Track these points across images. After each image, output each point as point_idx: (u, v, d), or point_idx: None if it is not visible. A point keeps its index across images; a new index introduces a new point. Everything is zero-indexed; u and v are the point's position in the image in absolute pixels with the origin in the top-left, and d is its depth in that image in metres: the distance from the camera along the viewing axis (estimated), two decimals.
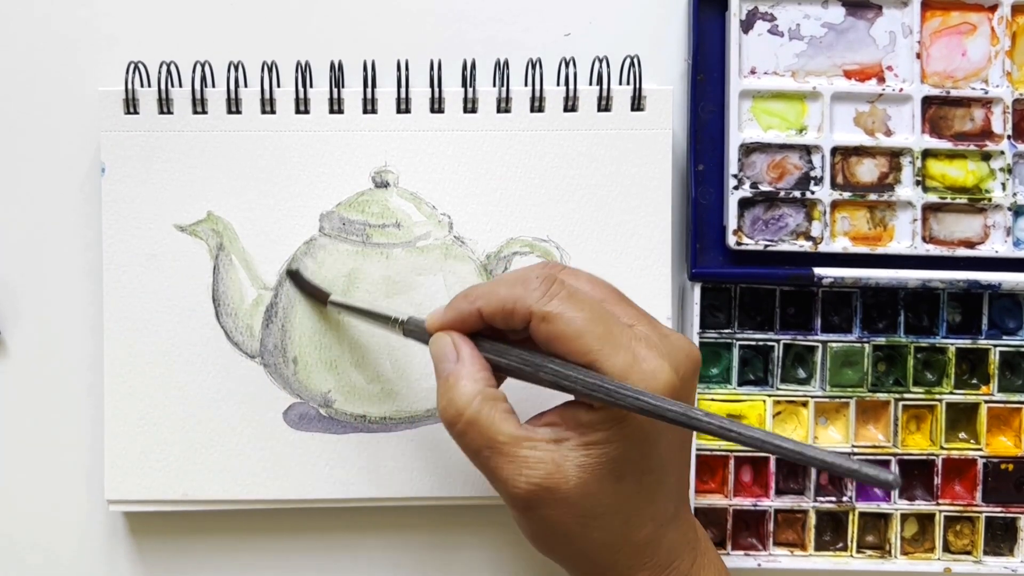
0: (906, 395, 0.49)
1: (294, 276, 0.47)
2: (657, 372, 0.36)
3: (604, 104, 0.48)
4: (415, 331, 0.41)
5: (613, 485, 0.37)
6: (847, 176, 0.49)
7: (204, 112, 0.48)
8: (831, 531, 0.50)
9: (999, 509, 0.49)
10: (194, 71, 0.48)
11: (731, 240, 0.48)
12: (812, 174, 0.49)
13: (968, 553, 0.50)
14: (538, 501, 0.37)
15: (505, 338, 0.40)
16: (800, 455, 0.33)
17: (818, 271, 0.48)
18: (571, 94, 0.48)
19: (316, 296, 0.47)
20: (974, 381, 0.50)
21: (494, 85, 0.48)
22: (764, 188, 0.48)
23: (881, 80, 0.49)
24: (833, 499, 0.49)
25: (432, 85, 0.48)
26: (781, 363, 0.49)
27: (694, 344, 0.39)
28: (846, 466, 0.32)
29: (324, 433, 0.48)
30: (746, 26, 0.49)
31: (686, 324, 0.49)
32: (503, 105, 0.48)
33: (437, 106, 0.48)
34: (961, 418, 0.50)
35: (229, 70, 0.48)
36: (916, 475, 0.50)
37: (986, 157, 0.49)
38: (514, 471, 0.37)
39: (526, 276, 0.38)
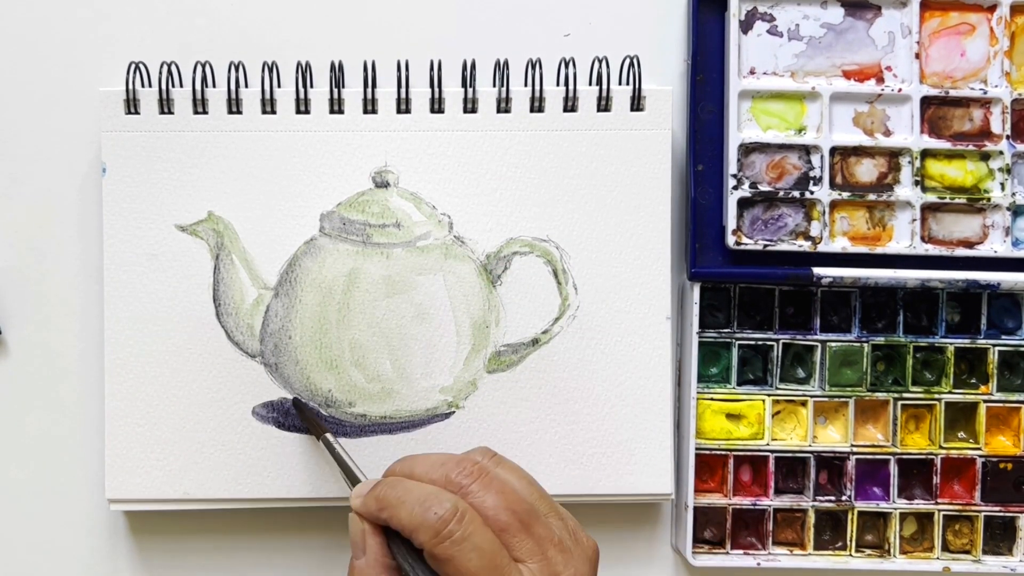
0: (905, 395, 0.49)
1: (296, 404, 0.48)
2: None
3: (604, 104, 0.48)
4: None
5: None
6: (846, 176, 0.49)
7: (205, 112, 0.48)
8: (830, 530, 0.50)
9: (998, 508, 0.49)
10: (195, 71, 0.48)
11: (730, 240, 0.48)
12: (811, 174, 0.49)
13: (967, 552, 0.50)
14: None
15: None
16: None
17: (817, 271, 0.48)
18: (571, 94, 0.48)
19: (313, 428, 0.47)
20: (973, 381, 0.50)
21: (494, 85, 0.48)
22: (763, 188, 0.48)
23: (880, 80, 0.49)
24: (832, 498, 0.49)
25: (432, 85, 0.48)
26: (780, 363, 0.49)
27: (595, 551, 0.40)
28: None
29: None
30: (745, 26, 0.49)
31: (685, 324, 0.49)
32: (503, 105, 0.48)
33: (437, 106, 0.48)
34: (960, 417, 0.50)
35: (230, 70, 0.48)
36: (915, 474, 0.50)
37: (985, 157, 0.49)
38: None
39: (430, 500, 0.38)
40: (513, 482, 0.40)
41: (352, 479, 0.43)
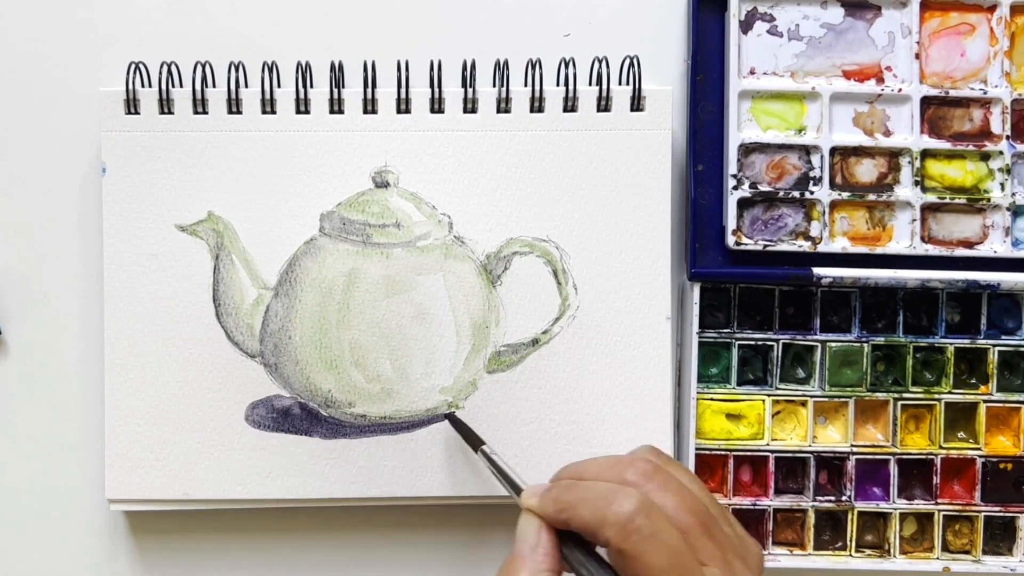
0: (905, 395, 0.49)
1: (451, 419, 0.48)
2: None
3: (604, 104, 0.48)
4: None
5: None
6: (846, 176, 0.49)
7: (205, 112, 0.48)
8: (830, 530, 0.50)
9: (998, 508, 0.49)
10: (195, 71, 0.48)
11: (730, 240, 0.48)
12: (811, 174, 0.49)
13: (967, 552, 0.50)
14: None
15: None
16: None
17: (817, 271, 0.48)
18: (571, 94, 0.48)
19: (469, 440, 0.46)
20: (973, 381, 0.50)
21: (494, 85, 0.48)
22: (763, 188, 0.48)
23: (880, 80, 0.49)
24: (832, 498, 0.49)
25: (432, 85, 0.48)
26: (780, 363, 0.49)
27: (760, 557, 0.39)
28: None
29: (324, 433, 0.48)
30: (745, 26, 0.49)
31: (685, 324, 0.49)
32: (503, 105, 0.48)
33: (437, 106, 0.48)
34: (960, 418, 0.50)
35: (230, 70, 0.48)
36: (915, 474, 0.50)
37: (985, 157, 0.49)
38: None
39: (611, 496, 0.36)
40: (687, 483, 0.39)
41: (515, 487, 0.42)
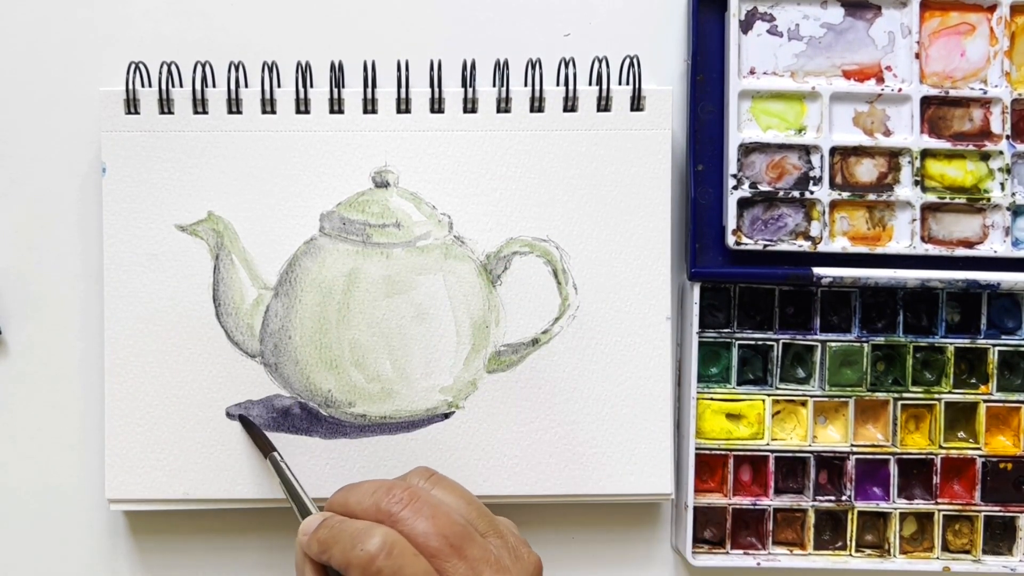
0: (905, 394, 0.49)
1: (243, 420, 0.48)
2: None
3: (604, 104, 0.48)
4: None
5: None
6: (846, 176, 0.49)
7: (205, 112, 0.48)
8: (830, 530, 0.50)
9: (998, 508, 0.49)
10: (195, 71, 0.48)
11: (730, 240, 0.48)
12: (811, 174, 0.49)
13: (967, 552, 0.50)
14: None
15: None
16: None
17: (817, 271, 0.48)
18: (571, 94, 0.48)
19: (260, 445, 0.47)
20: (973, 381, 0.50)
21: (494, 85, 0.48)
22: (763, 188, 0.48)
23: (880, 80, 0.49)
24: (832, 498, 0.49)
25: (432, 85, 0.48)
26: (780, 362, 0.49)
27: (537, 567, 0.41)
28: None
29: (324, 432, 0.48)
30: (745, 26, 0.49)
31: (685, 324, 0.49)
32: (503, 105, 0.48)
33: (437, 106, 0.48)
34: (960, 417, 0.50)
35: (230, 70, 0.48)
36: (915, 474, 0.50)
37: (985, 157, 0.49)
38: None
39: (358, 537, 0.38)
40: (449, 503, 0.40)
41: (301, 508, 0.43)
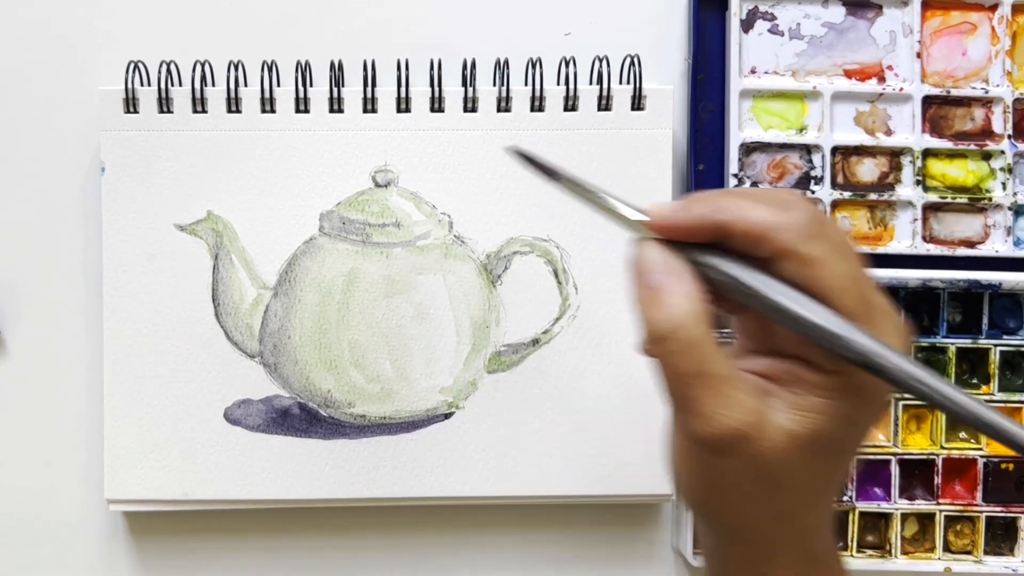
0: (906, 394, 0.49)
1: (519, 151, 0.37)
2: (902, 357, 0.31)
3: (604, 104, 0.48)
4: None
5: (810, 460, 0.32)
6: (847, 176, 0.49)
7: (204, 111, 0.48)
8: None
9: (999, 509, 0.49)
10: (194, 70, 0.47)
11: None
12: (812, 174, 0.49)
13: (968, 553, 0.50)
14: (729, 448, 0.32)
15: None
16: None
17: None
18: (571, 94, 0.48)
19: (544, 170, 0.37)
20: (974, 381, 0.50)
21: (494, 85, 0.48)
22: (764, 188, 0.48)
23: (881, 80, 0.49)
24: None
25: (432, 85, 0.48)
26: None
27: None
28: None
29: (324, 433, 0.48)
30: (746, 25, 0.49)
31: None
32: (503, 105, 0.48)
33: (437, 106, 0.48)
34: None
35: (229, 69, 0.48)
36: (916, 475, 0.50)
37: (986, 156, 0.49)
38: (716, 407, 0.31)
39: (786, 201, 0.32)
40: None
41: (619, 209, 0.34)
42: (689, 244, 0.33)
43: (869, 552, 0.50)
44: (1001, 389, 0.49)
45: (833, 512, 0.35)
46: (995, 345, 0.49)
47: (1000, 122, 0.49)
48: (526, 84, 0.48)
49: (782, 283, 0.32)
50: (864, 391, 0.32)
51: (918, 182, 0.49)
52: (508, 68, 0.48)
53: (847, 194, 0.49)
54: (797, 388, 0.32)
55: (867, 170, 0.49)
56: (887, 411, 0.31)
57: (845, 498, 0.49)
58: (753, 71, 0.49)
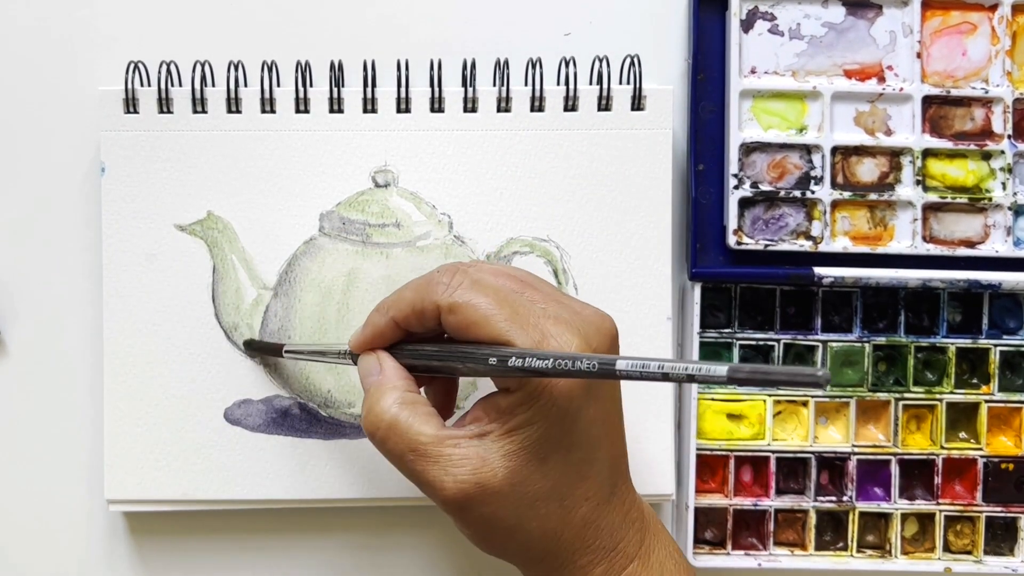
0: (906, 395, 0.49)
1: (248, 345, 0.47)
2: (566, 347, 0.36)
3: (604, 104, 0.48)
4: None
5: (540, 468, 0.37)
6: (847, 176, 0.49)
7: (204, 112, 0.48)
8: (831, 531, 0.50)
9: (999, 509, 0.49)
10: (194, 71, 0.47)
11: (731, 240, 0.48)
12: (812, 174, 0.49)
13: (968, 553, 0.50)
14: (469, 500, 0.36)
15: (427, 340, 0.40)
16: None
17: (818, 271, 0.48)
18: (571, 94, 0.48)
19: (271, 352, 0.47)
20: (974, 381, 0.50)
21: (494, 85, 0.48)
22: (764, 188, 0.48)
23: (881, 80, 0.49)
24: (833, 499, 0.49)
25: (432, 85, 0.48)
26: (781, 363, 0.49)
27: (608, 317, 0.39)
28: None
29: (323, 433, 0.48)
30: (746, 26, 0.49)
31: (686, 324, 0.49)
32: (503, 105, 0.48)
33: (437, 106, 0.48)
34: (961, 418, 0.50)
35: (229, 70, 0.48)
36: (916, 475, 0.50)
37: (986, 156, 0.49)
38: (440, 472, 0.37)
39: (430, 276, 0.39)
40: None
41: (335, 355, 0.43)
42: (396, 344, 0.40)
43: (869, 552, 0.50)
44: (1001, 389, 0.49)
45: (616, 500, 0.39)
46: (995, 345, 0.49)
47: (1000, 122, 0.49)
48: (526, 84, 0.48)
49: (452, 343, 0.38)
50: (545, 391, 0.36)
51: (918, 182, 0.49)
52: (508, 68, 0.48)
53: (847, 194, 0.49)
54: (502, 415, 0.37)
55: (867, 170, 0.49)
56: (586, 401, 0.37)
57: (845, 498, 0.49)
58: (753, 71, 0.49)
